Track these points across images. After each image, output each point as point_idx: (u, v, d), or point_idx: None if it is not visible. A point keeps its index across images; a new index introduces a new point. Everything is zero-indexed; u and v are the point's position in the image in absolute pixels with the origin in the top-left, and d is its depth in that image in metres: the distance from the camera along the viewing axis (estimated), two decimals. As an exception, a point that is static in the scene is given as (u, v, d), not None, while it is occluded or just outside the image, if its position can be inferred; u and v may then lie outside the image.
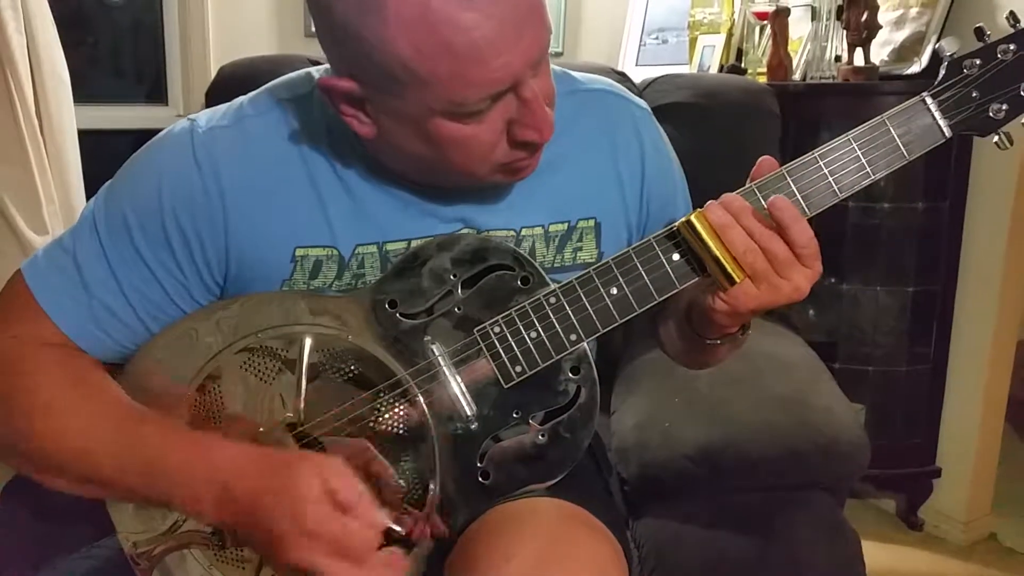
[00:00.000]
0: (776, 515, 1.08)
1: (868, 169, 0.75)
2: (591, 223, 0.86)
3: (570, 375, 0.78)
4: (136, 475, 0.72)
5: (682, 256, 0.76)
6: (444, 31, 0.64)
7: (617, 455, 1.22)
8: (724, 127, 1.66)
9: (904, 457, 2.04)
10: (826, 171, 0.75)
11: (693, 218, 0.73)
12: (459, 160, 0.73)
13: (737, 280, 0.72)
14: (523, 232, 0.84)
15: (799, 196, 0.75)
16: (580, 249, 0.86)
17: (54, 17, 1.87)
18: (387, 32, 0.64)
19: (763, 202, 0.75)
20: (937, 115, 0.74)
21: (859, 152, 0.75)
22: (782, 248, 0.72)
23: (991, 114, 0.74)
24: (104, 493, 0.77)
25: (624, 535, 0.89)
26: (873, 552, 1.97)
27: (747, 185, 0.76)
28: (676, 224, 0.75)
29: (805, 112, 1.90)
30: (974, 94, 0.74)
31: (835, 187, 0.75)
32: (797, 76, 2.09)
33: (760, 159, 0.76)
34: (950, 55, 0.75)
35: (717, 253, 0.72)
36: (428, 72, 0.65)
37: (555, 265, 0.85)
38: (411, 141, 0.73)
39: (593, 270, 0.76)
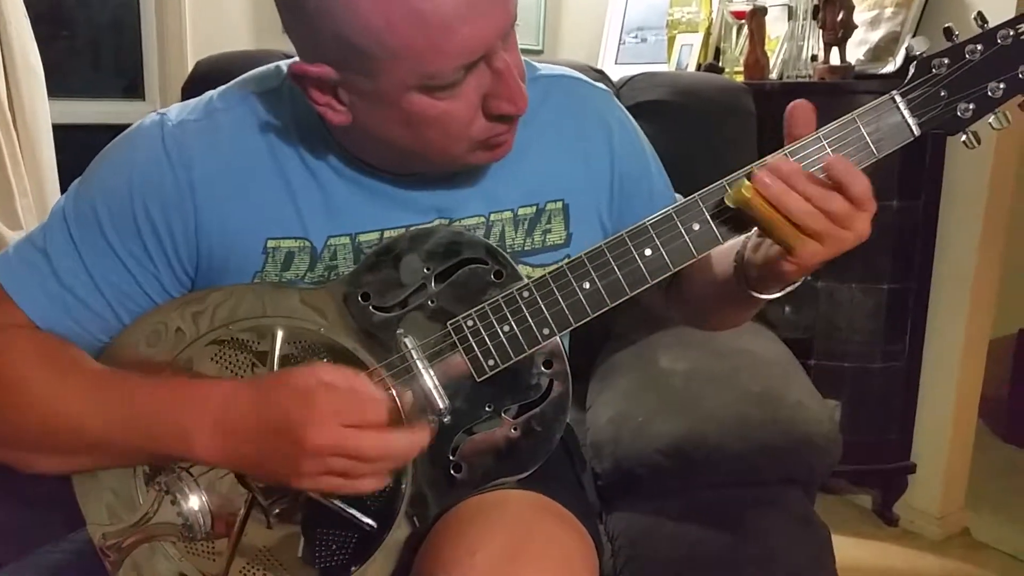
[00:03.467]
0: (748, 509, 1.09)
1: (838, 166, 0.75)
2: (559, 205, 0.87)
3: (543, 369, 0.79)
4: (123, 429, 0.71)
5: (654, 251, 0.77)
6: (411, 1, 0.64)
7: (592, 449, 1.22)
8: (701, 125, 1.66)
9: (879, 453, 2.06)
10: (796, 167, 0.75)
11: (744, 191, 0.71)
12: (436, 139, 0.73)
13: (799, 245, 0.71)
14: (492, 217, 0.85)
15: (769, 192, 0.75)
16: (549, 232, 0.87)
17: (30, 9, 1.85)
18: (354, 5, 0.64)
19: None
20: (906, 113, 0.75)
21: (829, 150, 0.75)
22: (840, 204, 0.71)
23: (959, 113, 0.75)
24: (93, 460, 0.76)
25: (595, 526, 0.89)
26: (849, 547, 2.01)
27: (718, 182, 0.76)
28: (725, 197, 0.73)
29: (781, 111, 1.87)
30: (942, 93, 0.75)
31: (805, 183, 0.75)
32: (774, 75, 2.10)
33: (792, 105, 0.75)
34: (919, 54, 0.76)
35: (775, 223, 0.71)
36: (399, 43, 0.65)
37: (525, 248, 0.86)
38: (387, 124, 0.73)
39: (566, 264, 0.77)
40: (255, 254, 0.80)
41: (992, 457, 2.42)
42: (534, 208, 0.86)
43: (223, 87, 0.84)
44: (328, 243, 0.81)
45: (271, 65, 0.84)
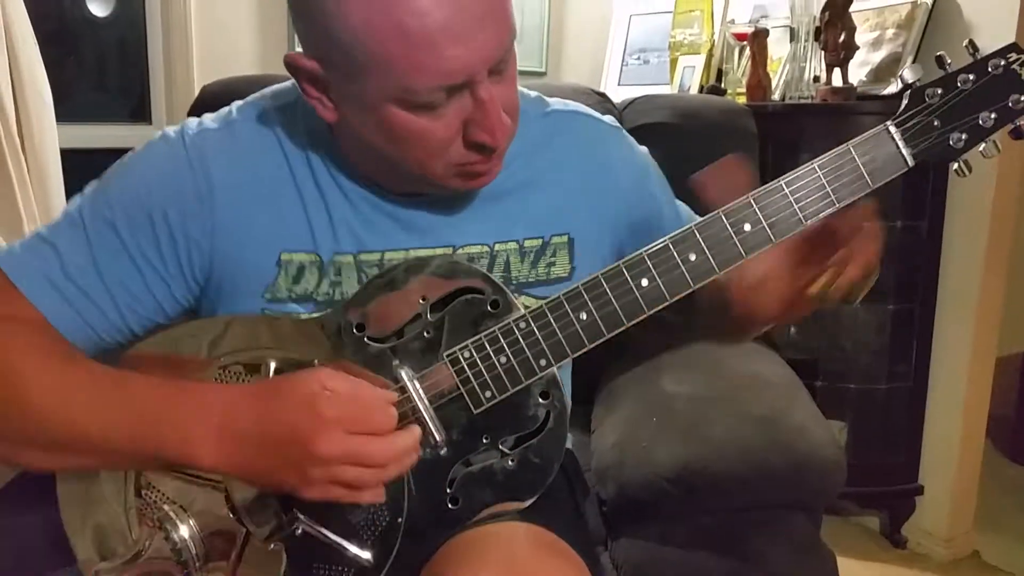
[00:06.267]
0: (752, 535, 1.08)
1: (832, 197, 0.76)
2: (564, 239, 0.87)
3: (540, 400, 0.79)
4: (125, 430, 0.71)
5: (651, 282, 0.77)
6: (397, 12, 0.64)
7: (596, 475, 1.22)
8: (703, 147, 1.66)
9: (886, 475, 2.04)
10: (792, 199, 0.76)
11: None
12: (413, 154, 0.73)
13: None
14: (497, 247, 0.85)
15: (765, 223, 0.76)
16: (553, 264, 0.87)
17: (37, 34, 1.87)
18: (345, 8, 0.65)
19: (730, 229, 0.76)
20: (900, 143, 0.76)
21: (824, 180, 0.76)
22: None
23: (951, 143, 0.76)
24: (90, 460, 0.75)
25: (595, 558, 0.89)
26: (857, 570, 1.99)
27: (714, 212, 0.76)
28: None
29: (784, 132, 1.92)
30: (935, 123, 0.75)
31: (800, 215, 0.76)
32: (776, 96, 2.10)
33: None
34: (912, 83, 0.77)
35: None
36: (379, 52, 0.66)
37: (529, 280, 0.86)
38: (368, 130, 0.73)
39: (563, 295, 0.77)
40: (269, 266, 0.80)
41: (1001, 477, 2.40)
42: (540, 241, 0.86)
43: (242, 100, 0.85)
44: (334, 259, 0.81)
45: (288, 81, 0.85)
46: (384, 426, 0.69)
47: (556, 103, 0.91)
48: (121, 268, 0.78)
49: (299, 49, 0.74)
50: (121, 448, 0.72)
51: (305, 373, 0.70)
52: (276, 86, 0.86)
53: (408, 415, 0.76)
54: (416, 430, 0.71)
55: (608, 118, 0.94)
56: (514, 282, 0.85)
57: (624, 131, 0.95)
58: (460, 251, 0.84)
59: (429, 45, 0.65)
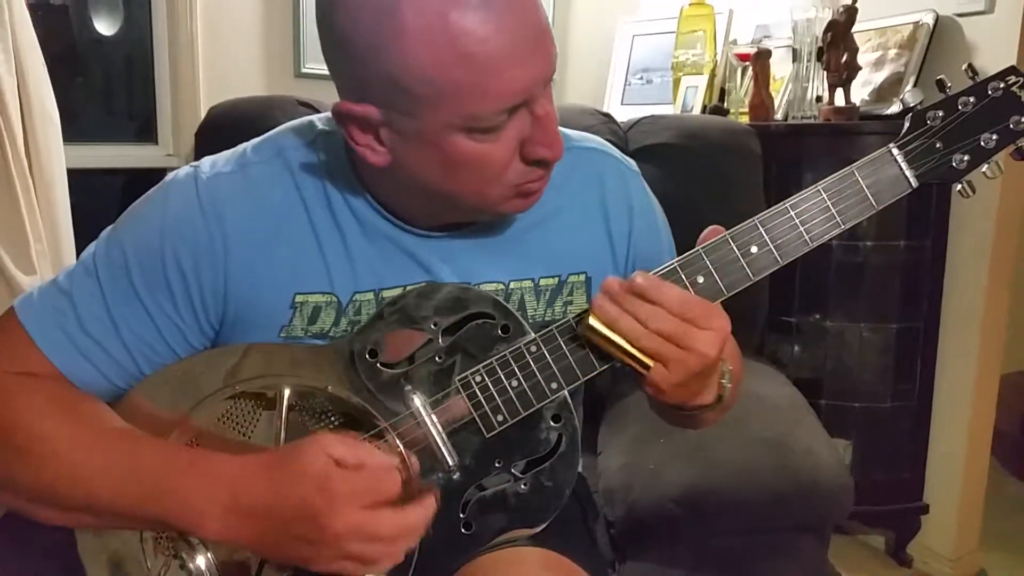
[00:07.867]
0: (759, 558, 1.08)
1: (838, 219, 0.76)
2: (582, 278, 0.87)
3: (551, 423, 0.79)
4: (133, 498, 0.71)
5: (659, 304, 0.77)
6: (463, 42, 0.65)
7: (603, 496, 1.22)
8: (707, 167, 1.68)
9: (891, 493, 2.04)
10: (797, 221, 0.76)
11: (591, 319, 0.73)
12: (472, 182, 0.73)
13: (650, 365, 0.71)
14: (512, 285, 0.85)
15: (771, 245, 0.76)
16: (571, 303, 0.87)
17: (45, 54, 1.88)
18: (405, 46, 0.66)
19: (737, 251, 0.76)
20: (903, 165, 0.76)
21: (829, 202, 0.76)
22: (668, 321, 0.71)
23: (954, 164, 0.76)
24: (100, 522, 0.75)
25: (606, 581, 0.89)
26: (863, 589, 1.98)
27: (720, 236, 0.77)
28: (578, 327, 0.75)
29: (787, 152, 1.93)
30: (937, 145, 0.76)
31: (806, 236, 0.76)
32: (779, 116, 2.12)
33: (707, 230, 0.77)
34: (914, 106, 0.78)
35: (623, 347, 0.72)
36: (447, 83, 0.67)
37: (545, 319, 0.86)
38: (425, 165, 0.73)
39: (573, 318, 0.77)
40: (283, 308, 0.80)
41: (1006, 495, 2.39)
42: (556, 279, 0.86)
43: (257, 140, 0.84)
44: (353, 298, 0.81)
45: (304, 120, 0.85)
46: (392, 493, 0.68)
47: (577, 139, 0.91)
48: (134, 317, 0.78)
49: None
50: (128, 513, 0.72)
51: (310, 445, 0.68)
52: (292, 123, 0.85)
53: (420, 441, 0.76)
54: (429, 503, 0.70)
55: (628, 159, 0.94)
56: (530, 321, 0.85)
57: (639, 173, 0.94)
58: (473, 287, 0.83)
59: (495, 68, 0.66)
